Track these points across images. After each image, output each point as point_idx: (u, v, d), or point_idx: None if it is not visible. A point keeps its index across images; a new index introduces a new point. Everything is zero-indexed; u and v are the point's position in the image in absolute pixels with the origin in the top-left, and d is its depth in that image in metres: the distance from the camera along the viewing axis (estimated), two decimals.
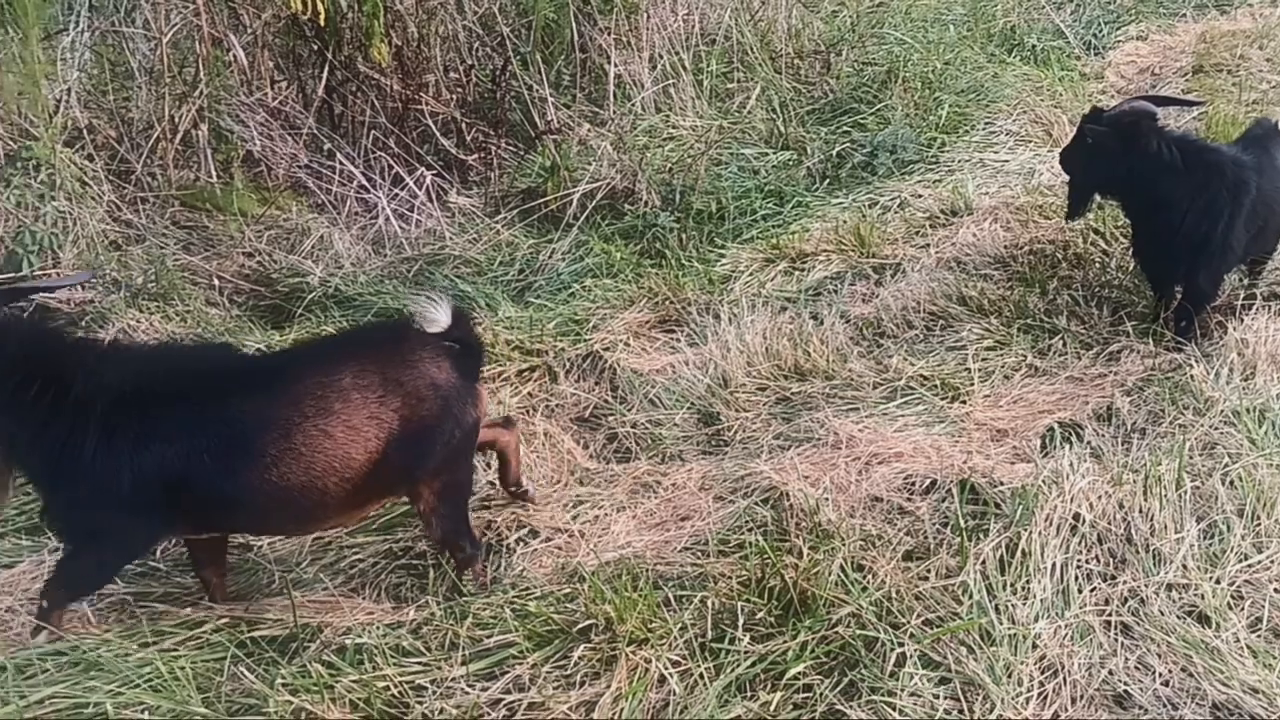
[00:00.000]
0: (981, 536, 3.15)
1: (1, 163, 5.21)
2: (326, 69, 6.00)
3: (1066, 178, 4.80)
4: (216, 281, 5.20)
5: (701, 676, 2.79)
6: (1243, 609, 3.00)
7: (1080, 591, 3.03)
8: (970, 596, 2.97)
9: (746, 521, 3.43)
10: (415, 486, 3.11)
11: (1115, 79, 7.56)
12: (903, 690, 2.75)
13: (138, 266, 5.11)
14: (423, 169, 5.89)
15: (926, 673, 2.80)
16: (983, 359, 4.34)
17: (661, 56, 6.59)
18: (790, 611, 2.95)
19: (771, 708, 2.73)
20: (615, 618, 2.88)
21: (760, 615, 2.94)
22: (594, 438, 4.13)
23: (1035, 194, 5.62)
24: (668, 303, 4.86)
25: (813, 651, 2.84)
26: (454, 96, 6.34)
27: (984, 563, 3.06)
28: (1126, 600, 3.02)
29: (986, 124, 6.52)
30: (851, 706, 2.72)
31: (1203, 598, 3.01)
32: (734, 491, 3.63)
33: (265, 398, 2.94)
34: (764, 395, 4.26)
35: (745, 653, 2.84)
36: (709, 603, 2.98)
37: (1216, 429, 3.63)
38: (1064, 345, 4.40)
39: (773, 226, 5.59)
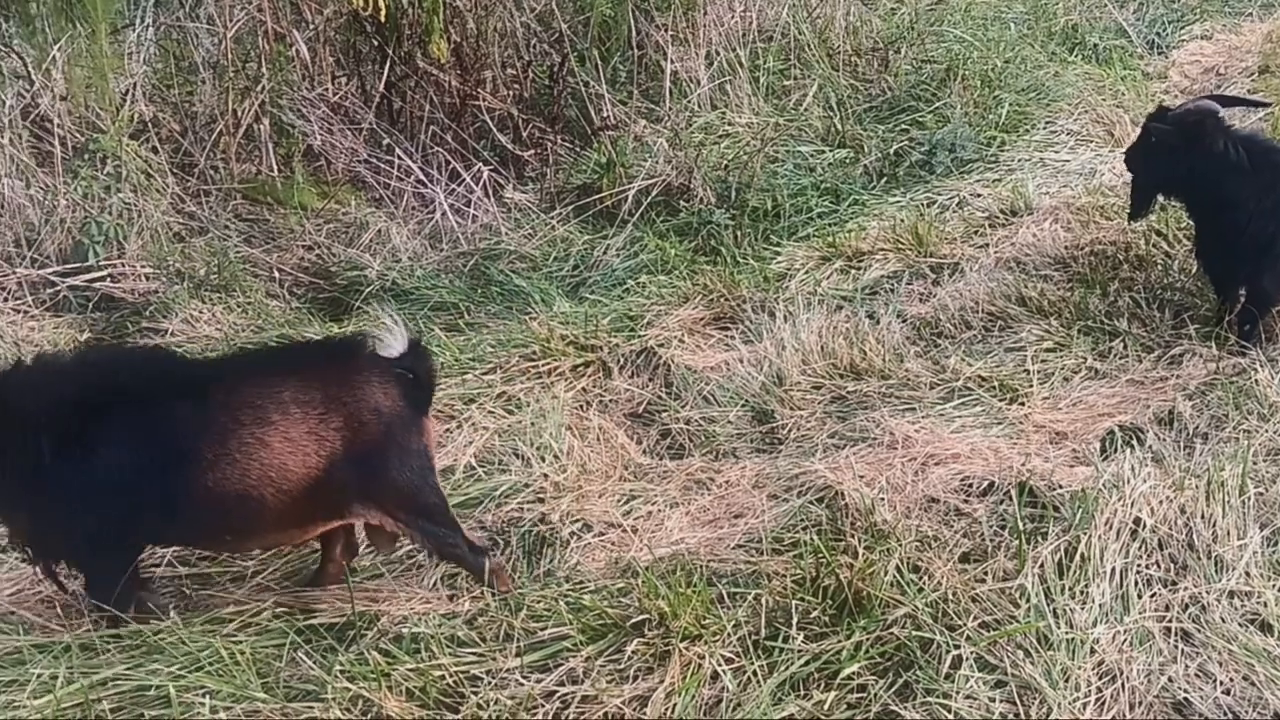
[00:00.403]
0: (1040, 540, 3.11)
1: (70, 155, 5.32)
2: (386, 64, 6.06)
3: (1128, 178, 4.74)
4: (277, 274, 5.28)
5: (755, 674, 2.79)
6: None
7: (1140, 597, 2.98)
8: (1028, 600, 2.94)
9: (801, 520, 3.42)
10: (370, 509, 3.04)
11: (1179, 79, 7.45)
12: (958, 692, 2.72)
13: (200, 258, 5.20)
14: (479, 164, 5.93)
15: (982, 675, 2.77)
16: (1042, 360, 4.29)
17: (718, 53, 6.58)
18: (845, 611, 2.94)
19: (825, 707, 2.72)
20: (669, 613, 2.88)
21: (814, 614, 2.93)
22: (647, 433, 4.13)
23: (1096, 194, 5.54)
24: (722, 300, 4.85)
25: (867, 652, 2.83)
26: (511, 92, 6.38)
27: (1042, 566, 3.02)
28: (1187, 607, 2.97)
29: (1047, 123, 6.45)
30: (906, 708, 2.71)
31: (1265, 605, 2.96)
32: (788, 490, 3.62)
33: (205, 402, 2.94)
34: (819, 394, 4.24)
35: (799, 651, 2.83)
36: (762, 600, 2.97)
37: None
38: (1125, 348, 4.35)
39: (829, 224, 5.56)
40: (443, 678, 2.78)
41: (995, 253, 5.13)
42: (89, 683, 2.78)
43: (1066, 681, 2.74)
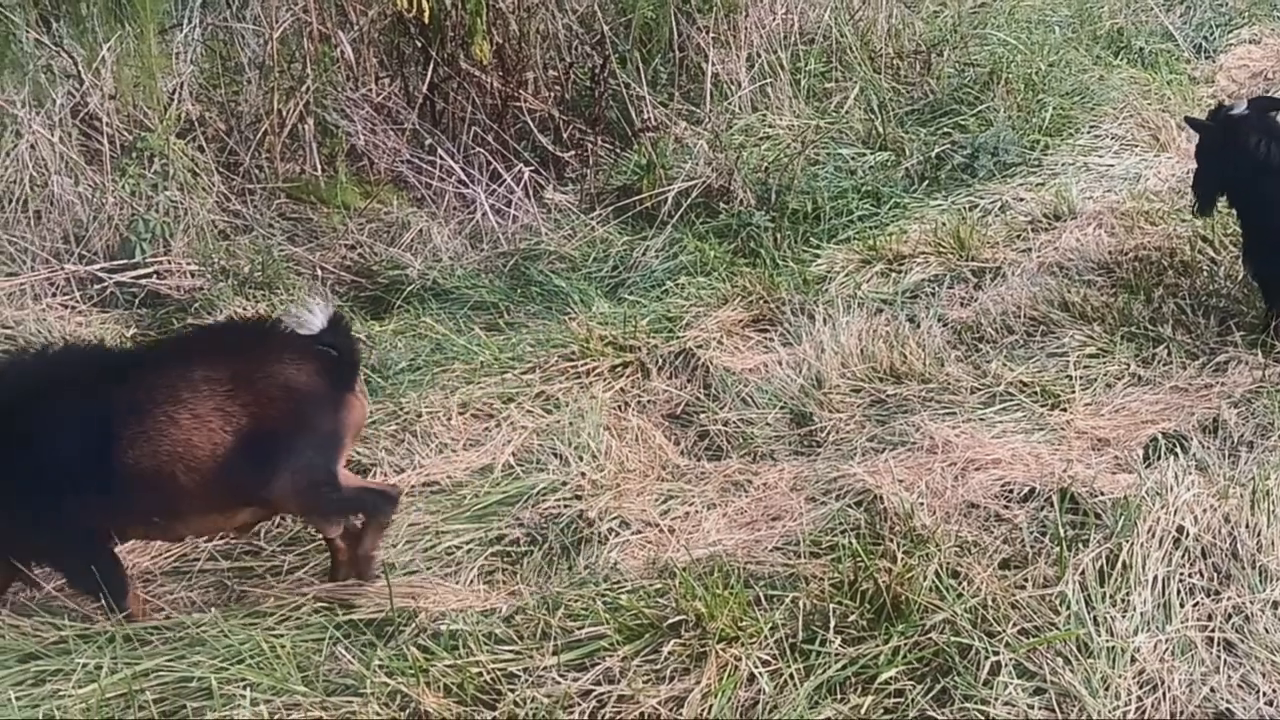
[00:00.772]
0: (1081, 547, 3.08)
1: (118, 153, 5.40)
2: (430, 66, 6.10)
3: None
4: (319, 272, 5.33)
5: (791, 677, 2.78)
6: None
7: (1182, 606, 2.95)
8: (1068, 607, 2.91)
9: (839, 523, 3.41)
10: (271, 491, 3.06)
11: (1226, 83, 7.34)
12: (996, 699, 2.71)
13: (245, 256, 5.26)
14: (520, 165, 5.96)
15: (1021, 682, 2.75)
16: (1084, 366, 4.26)
17: (759, 55, 6.57)
18: (883, 615, 2.93)
19: (862, 711, 2.71)
20: (706, 614, 2.88)
21: (852, 618, 2.92)
22: (685, 435, 4.13)
23: (1141, 199, 5.48)
24: (761, 302, 4.85)
25: (905, 657, 2.82)
26: (553, 94, 6.40)
27: (1083, 573, 2.99)
28: (1230, 616, 2.94)
29: (1091, 127, 6.38)
30: (944, 713, 2.70)
31: None
32: (826, 493, 3.61)
33: (125, 385, 3.04)
34: (858, 397, 4.23)
35: (836, 655, 2.82)
36: (800, 603, 2.97)
37: None
38: (1169, 354, 4.30)
39: (869, 227, 5.54)
40: (480, 675, 2.80)
41: (1038, 257, 5.08)
42: (132, 673, 2.82)
43: (1106, 690, 2.72)
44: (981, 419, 3.96)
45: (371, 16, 6.15)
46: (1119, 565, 3.01)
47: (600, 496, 3.62)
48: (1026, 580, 3.03)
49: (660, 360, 4.44)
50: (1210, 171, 4.51)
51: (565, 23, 6.43)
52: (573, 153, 6.27)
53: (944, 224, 5.43)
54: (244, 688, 2.77)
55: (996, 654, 2.79)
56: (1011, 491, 3.49)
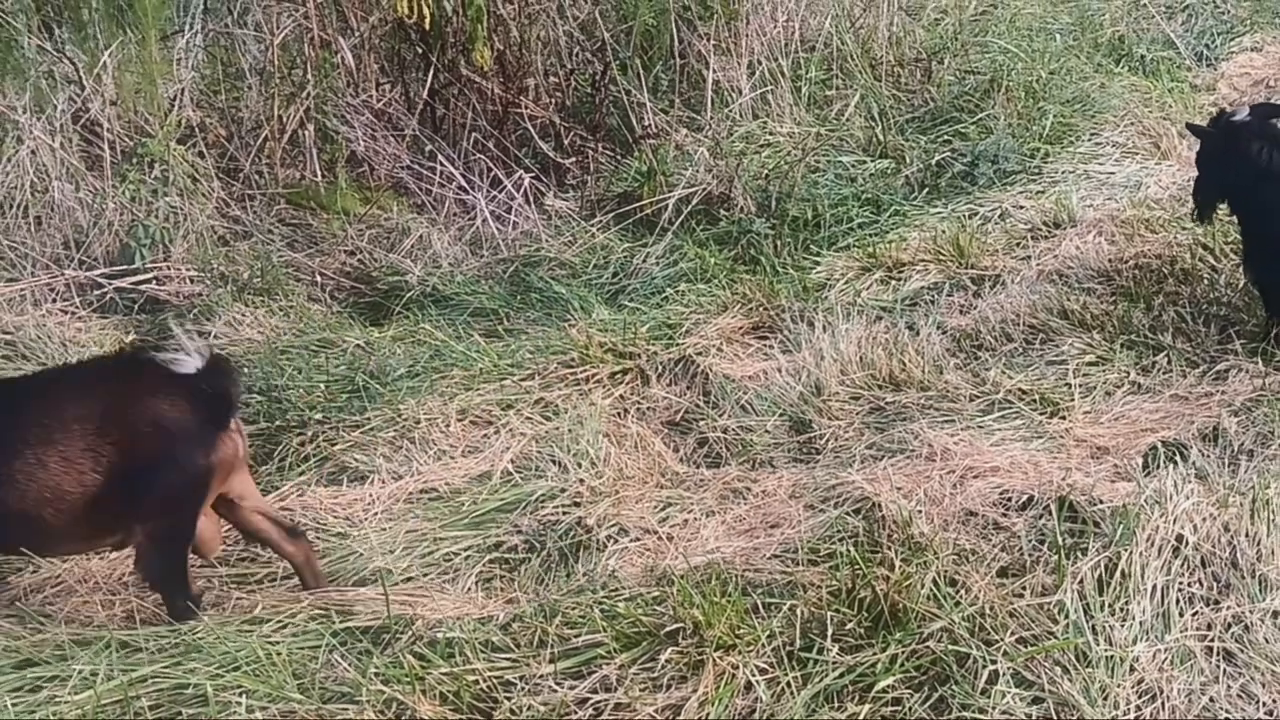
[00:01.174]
0: (1079, 555, 3.07)
1: (118, 158, 5.40)
2: (430, 72, 6.10)
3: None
4: (319, 278, 5.34)
5: (789, 685, 2.77)
6: None
7: (1181, 615, 2.93)
8: (1066, 616, 2.90)
9: (837, 531, 3.40)
10: (130, 525, 3.05)
11: (1228, 91, 7.33)
12: (994, 708, 2.70)
13: (244, 262, 5.27)
14: (521, 171, 5.96)
15: (1019, 691, 2.74)
16: (1084, 374, 4.25)
17: (760, 63, 6.57)
18: (880, 624, 2.92)
19: (859, 719, 2.70)
20: (703, 622, 2.87)
21: (849, 626, 2.91)
22: (684, 442, 4.13)
23: (1142, 207, 5.48)
24: (761, 309, 4.84)
25: (903, 665, 2.81)
26: (553, 100, 6.41)
27: (1081, 582, 2.98)
28: (1230, 626, 2.92)
29: (1092, 135, 6.38)
30: None
31: None
32: (825, 500, 3.60)
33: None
34: (857, 404, 4.22)
35: (834, 663, 2.81)
36: (797, 611, 2.96)
37: None
38: (1169, 363, 4.29)
39: (869, 235, 5.53)
40: (476, 682, 2.79)
41: (1037, 265, 5.08)
42: (128, 679, 2.81)
43: (1105, 699, 2.71)
44: (980, 427, 3.96)
45: (372, 23, 6.16)
46: (1118, 574, 2.99)
47: (599, 503, 3.61)
48: (1025, 589, 3.01)
49: (660, 367, 4.43)
50: (1211, 178, 4.52)
51: (566, 29, 6.44)
52: (573, 159, 6.28)
53: (944, 231, 5.43)
54: (240, 695, 2.76)
55: (994, 663, 2.78)
56: (1010, 499, 3.48)
